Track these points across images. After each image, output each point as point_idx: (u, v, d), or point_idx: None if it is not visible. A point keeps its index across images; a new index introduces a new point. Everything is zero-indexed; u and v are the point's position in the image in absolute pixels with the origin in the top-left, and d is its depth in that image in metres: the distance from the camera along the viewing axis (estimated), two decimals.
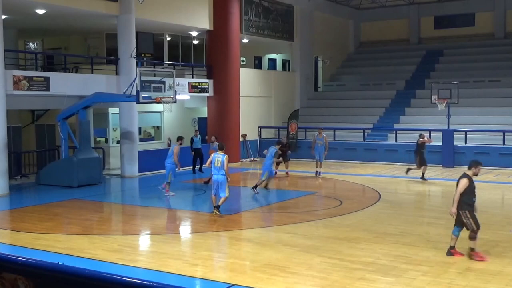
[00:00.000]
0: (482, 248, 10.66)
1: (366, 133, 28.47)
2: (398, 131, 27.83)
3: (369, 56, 37.82)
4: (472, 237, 10.22)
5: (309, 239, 12.01)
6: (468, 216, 10.18)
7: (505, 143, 24.95)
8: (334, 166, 24.77)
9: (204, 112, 28.17)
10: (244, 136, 28.38)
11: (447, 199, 16.84)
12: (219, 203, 14.07)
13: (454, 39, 36.04)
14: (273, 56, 35.83)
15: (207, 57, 27.72)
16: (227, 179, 14.08)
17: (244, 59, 31.50)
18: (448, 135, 25.37)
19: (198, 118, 28.91)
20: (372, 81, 34.65)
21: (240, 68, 28.01)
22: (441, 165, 24.80)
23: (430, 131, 26.00)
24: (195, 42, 28.77)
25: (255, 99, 29.99)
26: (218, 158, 14.02)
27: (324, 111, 32.25)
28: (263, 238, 12.20)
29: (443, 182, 20.20)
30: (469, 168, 10.40)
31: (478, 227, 10.19)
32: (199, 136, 24.00)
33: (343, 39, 38.66)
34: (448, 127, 25.69)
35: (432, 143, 23.40)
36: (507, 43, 34.30)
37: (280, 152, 19.56)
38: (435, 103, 25.69)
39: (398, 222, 13.87)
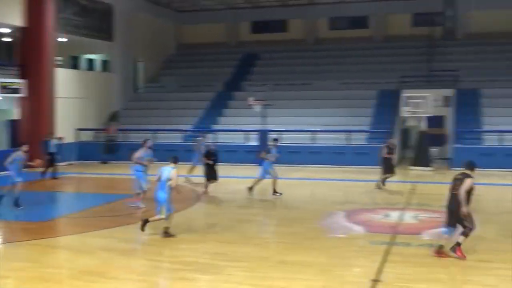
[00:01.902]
0: (298, 239, 11.31)
1: (186, 135, 28.76)
2: (217, 132, 28.50)
3: (189, 58, 38.21)
4: (465, 234, 10.37)
5: (128, 242, 11.85)
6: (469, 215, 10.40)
7: (315, 142, 26.74)
8: (154, 168, 24.50)
9: (16, 114, 26.46)
10: (60, 138, 27.13)
11: (264, 197, 17.65)
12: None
13: (269, 44, 37.72)
14: (91, 56, 34.73)
15: (20, 56, 26.10)
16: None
17: (61, 58, 30.13)
18: (264, 135, 26.49)
19: (11, 120, 27.07)
20: (192, 83, 35.09)
21: (56, 68, 26.79)
22: (258, 164, 25.79)
23: (247, 131, 27.03)
24: (6, 39, 26.93)
25: (72, 100, 28.86)
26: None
27: (144, 112, 31.99)
28: (80, 245, 11.78)
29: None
30: (472, 169, 10.48)
31: (474, 226, 10.47)
32: (55, 139, 22.43)
33: (163, 41, 38.64)
34: (264, 127, 26.84)
35: (249, 143, 24.32)
36: (317, 49, 36.71)
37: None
38: (252, 104, 26.70)
39: (218, 220, 14.20)
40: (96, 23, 30.50)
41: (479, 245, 11.30)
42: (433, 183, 20.84)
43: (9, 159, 15.40)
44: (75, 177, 23.21)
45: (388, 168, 19.03)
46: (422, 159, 25.04)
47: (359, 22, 37.17)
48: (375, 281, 8.99)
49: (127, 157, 27.76)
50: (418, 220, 13.97)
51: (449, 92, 29.06)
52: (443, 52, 33.16)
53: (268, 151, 18.03)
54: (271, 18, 38.29)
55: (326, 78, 32.75)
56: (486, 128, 26.45)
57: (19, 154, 15.66)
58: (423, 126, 25.72)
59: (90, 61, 34.91)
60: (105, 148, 27.96)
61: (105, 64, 34.25)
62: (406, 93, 26.61)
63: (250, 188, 18.03)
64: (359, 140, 26.98)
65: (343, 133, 26.75)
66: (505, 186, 19.52)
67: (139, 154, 15.73)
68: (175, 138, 28.40)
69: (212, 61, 37.07)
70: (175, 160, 12.20)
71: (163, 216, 11.94)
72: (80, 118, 29.52)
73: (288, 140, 26.82)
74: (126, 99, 33.40)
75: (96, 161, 27.64)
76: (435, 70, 30.58)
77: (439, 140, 28.22)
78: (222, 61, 37.03)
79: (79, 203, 17.12)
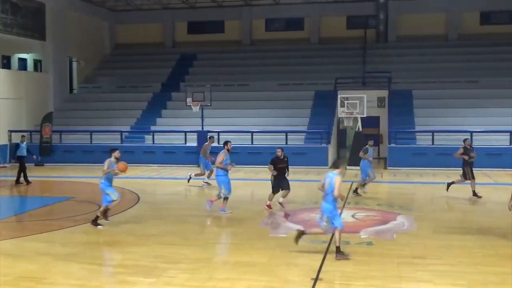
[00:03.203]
0: (235, 241, 11.36)
1: (123, 136, 28.39)
2: (155, 133, 28.27)
3: (126, 58, 37.73)
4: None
5: (67, 246, 11.61)
6: None
7: (253, 143, 26.93)
8: (91, 170, 24.09)
9: None
10: None
11: (202, 198, 17.62)
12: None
13: (206, 44, 37.68)
14: (23, 55, 33.71)
15: None
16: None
17: None
18: (202, 136, 26.45)
19: None
20: (129, 84, 34.67)
21: None
22: (196, 165, 25.75)
23: (186, 132, 26.94)
24: None
25: (4, 101, 27.98)
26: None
27: (80, 113, 31.38)
28: (16, 249, 11.46)
29: (198, 181, 20.94)
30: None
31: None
32: (25, 142, 21.52)
33: (99, 40, 37.99)
34: (202, 128, 26.82)
35: (188, 145, 24.21)
36: (254, 50, 36.95)
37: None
38: (190, 105, 26.63)
39: (158, 222, 14.10)
40: (28, 21, 29.66)
41: (414, 242, 11.69)
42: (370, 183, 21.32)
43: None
44: (9, 180, 22.50)
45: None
46: (358, 159, 25.57)
47: (295, 24, 37.65)
48: (316, 279, 9.17)
49: (62, 159, 27.47)
50: (356, 219, 14.30)
51: (383, 93, 29.88)
52: (377, 54, 34.05)
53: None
54: (207, 19, 38.24)
55: (263, 79, 33.03)
56: (418, 128, 27.33)
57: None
58: (359, 126, 26.30)
59: (23, 60, 33.88)
60: (40, 150, 27.21)
61: (39, 64, 33.35)
62: (342, 94, 27.17)
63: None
64: (296, 140, 27.34)
65: (281, 133, 27.06)
66: (437, 184, 20.20)
67: (221, 158, 14.87)
68: (113, 140, 27.97)
69: (149, 62, 36.72)
70: (338, 165, 10.96)
71: (322, 230, 10.76)
72: (13, 120, 28.67)
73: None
74: (61, 99, 32.64)
75: (31, 164, 26.86)
76: (369, 72, 31.36)
77: (374, 140, 28.91)
78: (159, 62, 36.75)
79: (14, 206, 16.61)
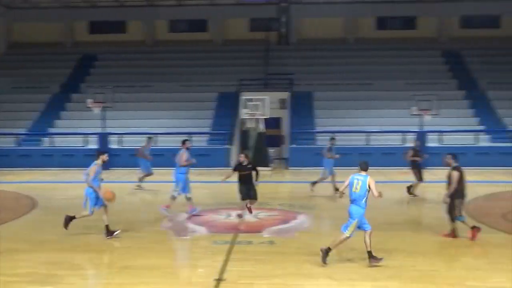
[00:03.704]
0: (133, 245, 11.21)
1: (19, 138, 27.27)
2: (53, 136, 27.35)
3: (22, 58, 36.20)
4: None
5: None
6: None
7: (157, 145, 26.62)
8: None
9: None
10: None
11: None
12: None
13: (107, 45, 36.87)
14: None
15: None
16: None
17: None
18: (103, 138, 25.90)
19: None
20: (25, 84, 33.26)
21: None
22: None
23: (86, 134, 26.25)
24: None
25: None
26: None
27: None
28: None
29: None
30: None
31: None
32: None
33: None
34: (104, 130, 26.24)
35: (89, 147, 23.59)
36: (157, 51, 36.58)
37: None
38: (91, 107, 25.98)
39: (56, 228, 13.64)
40: None
41: (314, 240, 12.02)
42: (271, 183, 21.70)
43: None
44: None
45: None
46: (261, 159, 25.95)
47: (198, 25, 37.66)
48: (219, 280, 9.23)
49: None
50: (258, 218, 14.51)
51: (285, 95, 30.49)
52: (279, 57, 34.69)
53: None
54: (109, 19, 37.45)
55: (166, 80, 32.78)
56: (318, 129, 28.11)
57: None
58: (262, 127, 26.68)
59: None
60: None
61: None
62: (245, 96, 27.46)
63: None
64: (200, 142, 27.33)
65: (185, 135, 26.89)
66: (336, 183, 20.83)
67: (184, 156, 14.72)
68: (7, 143, 26.78)
69: (47, 62, 35.46)
70: (367, 166, 10.44)
71: (347, 235, 10.12)
72: None
73: (130, 143, 26.49)
74: None
75: None
76: (271, 74, 31.89)
77: (276, 141, 29.54)
78: (58, 62, 35.58)
79: None
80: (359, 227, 10.11)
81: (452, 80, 32.55)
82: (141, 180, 19.88)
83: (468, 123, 28.29)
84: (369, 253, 10.04)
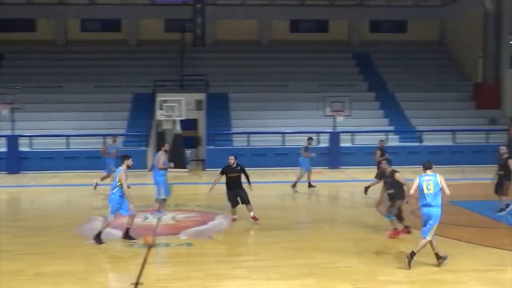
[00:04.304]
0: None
1: None
2: None
3: None
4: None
5: None
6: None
7: (70, 147, 25.96)
8: None
9: None
10: None
11: (15, 206, 16.60)
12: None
13: (16, 44, 35.33)
14: None
15: None
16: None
17: None
18: (13, 140, 24.98)
19: None
20: None
21: None
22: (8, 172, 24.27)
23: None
24: None
25: None
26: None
27: None
28: None
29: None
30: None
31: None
32: None
33: None
34: (13, 132, 25.27)
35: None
36: (69, 51, 35.51)
37: None
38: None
39: None
40: None
41: (232, 240, 12.12)
42: (188, 184, 21.66)
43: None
44: None
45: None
46: (177, 161, 25.79)
47: (112, 25, 36.91)
48: (136, 284, 9.12)
49: None
50: (176, 220, 14.44)
51: (201, 96, 30.45)
52: (195, 58, 34.59)
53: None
54: (17, 16, 35.98)
55: (79, 81, 31.91)
56: (235, 130, 28.26)
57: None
58: (178, 129, 26.53)
59: None
60: None
61: None
62: (160, 97, 27.22)
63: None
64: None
65: (98, 137, 26.34)
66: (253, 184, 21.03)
67: (162, 159, 15.10)
68: None
69: None
70: (431, 165, 9.99)
71: (429, 239, 9.86)
72: None
73: (41, 145, 25.67)
74: None
75: None
76: (187, 75, 31.76)
77: (193, 142, 29.47)
78: None
79: None
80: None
81: (363, 82, 33.62)
82: (102, 180, 19.30)
83: (378, 123, 29.32)
84: (437, 254, 9.93)
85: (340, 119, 27.03)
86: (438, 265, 9.89)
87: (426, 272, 9.68)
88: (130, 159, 11.97)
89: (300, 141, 27.14)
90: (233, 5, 36.45)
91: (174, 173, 22.62)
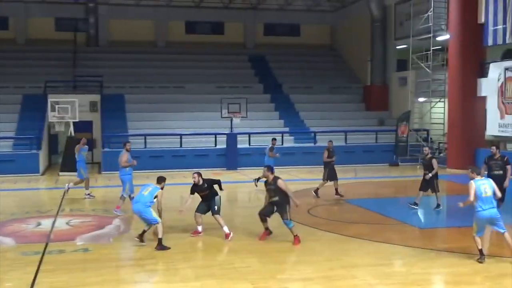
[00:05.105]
0: None
1: None
2: None
3: None
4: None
5: None
6: None
7: None
8: None
9: None
10: None
11: None
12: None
13: None
14: None
15: None
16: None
17: None
18: None
19: None
20: None
21: None
22: None
23: None
24: None
25: None
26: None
27: None
28: None
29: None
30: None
31: None
32: None
33: None
34: None
35: None
36: None
37: None
38: None
39: None
40: None
41: (130, 244, 11.95)
42: (84, 188, 21.05)
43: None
44: None
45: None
46: (71, 164, 25.03)
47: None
48: None
49: None
50: (71, 226, 14.04)
51: (95, 97, 29.73)
52: (88, 58, 33.72)
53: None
54: None
55: None
56: (131, 132, 27.81)
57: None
58: (71, 131, 25.76)
59: None
60: None
61: None
62: (52, 98, 26.31)
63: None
64: (4, 147, 25.65)
65: None
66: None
67: (125, 157, 15.64)
68: None
69: None
70: (479, 171, 10.87)
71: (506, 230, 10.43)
72: None
73: None
74: None
75: None
76: (80, 76, 30.90)
77: (88, 145, 28.58)
78: None
79: None
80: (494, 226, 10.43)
81: (258, 84, 34.16)
82: (75, 184, 18.33)
83: (274, 125, 29.91)
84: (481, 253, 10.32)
85: (237, 120, 27.35)
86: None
87: (322, 269, 10.05)
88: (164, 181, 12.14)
89: (198, 142, 27.30)
90: (127, 5, 35.88)
91: (68, 177, 21.96)
